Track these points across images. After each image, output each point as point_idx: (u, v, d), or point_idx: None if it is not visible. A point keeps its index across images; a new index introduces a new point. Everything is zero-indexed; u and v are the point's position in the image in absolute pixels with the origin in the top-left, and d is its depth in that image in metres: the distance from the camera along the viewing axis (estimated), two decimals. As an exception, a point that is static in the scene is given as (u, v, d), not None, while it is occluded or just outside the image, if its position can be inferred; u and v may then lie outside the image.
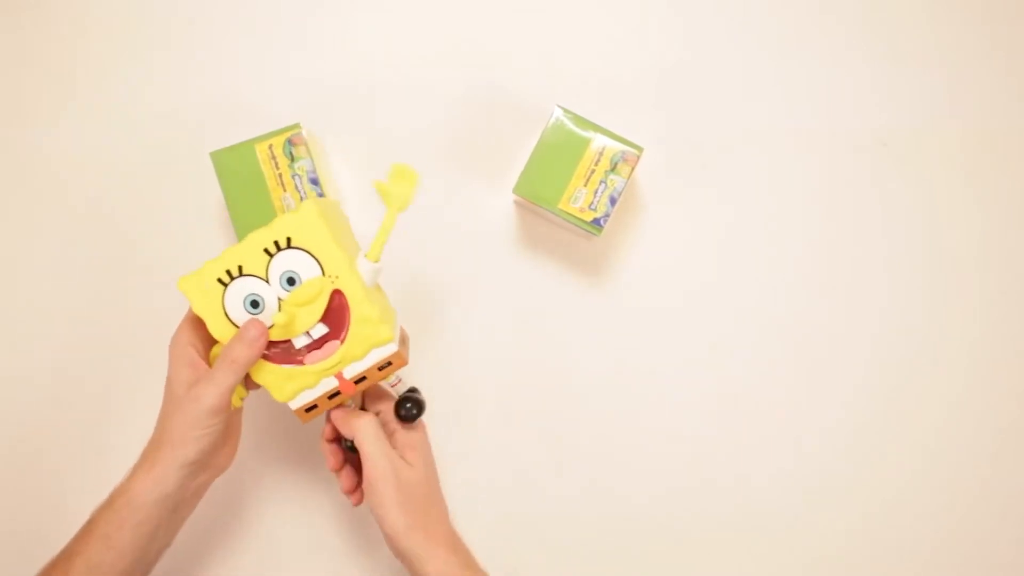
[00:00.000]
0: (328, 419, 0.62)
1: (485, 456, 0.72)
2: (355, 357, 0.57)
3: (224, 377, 0.54)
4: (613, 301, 0.73)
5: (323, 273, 0.56)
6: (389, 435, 0.61)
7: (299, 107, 0.73)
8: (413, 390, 0.63)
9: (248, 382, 0.60)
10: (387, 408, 0.62)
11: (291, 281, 0.56)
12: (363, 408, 0.63)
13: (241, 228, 0.64)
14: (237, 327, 0.56)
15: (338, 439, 0.62)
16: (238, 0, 0.74)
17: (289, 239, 0.55)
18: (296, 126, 0.65)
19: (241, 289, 0.56)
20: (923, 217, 0.73)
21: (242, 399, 0.60)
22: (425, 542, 0.57)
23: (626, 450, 0.72)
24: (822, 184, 0.73)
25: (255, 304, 0.56)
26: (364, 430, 0.58)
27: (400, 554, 0.58)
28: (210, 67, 0.74)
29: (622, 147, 0.65)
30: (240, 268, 0.55)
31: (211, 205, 0.72)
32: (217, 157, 0.65)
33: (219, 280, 0.56)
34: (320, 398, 0.59)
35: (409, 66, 0.74)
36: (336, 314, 0.56)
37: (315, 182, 0.65)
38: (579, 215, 0.65)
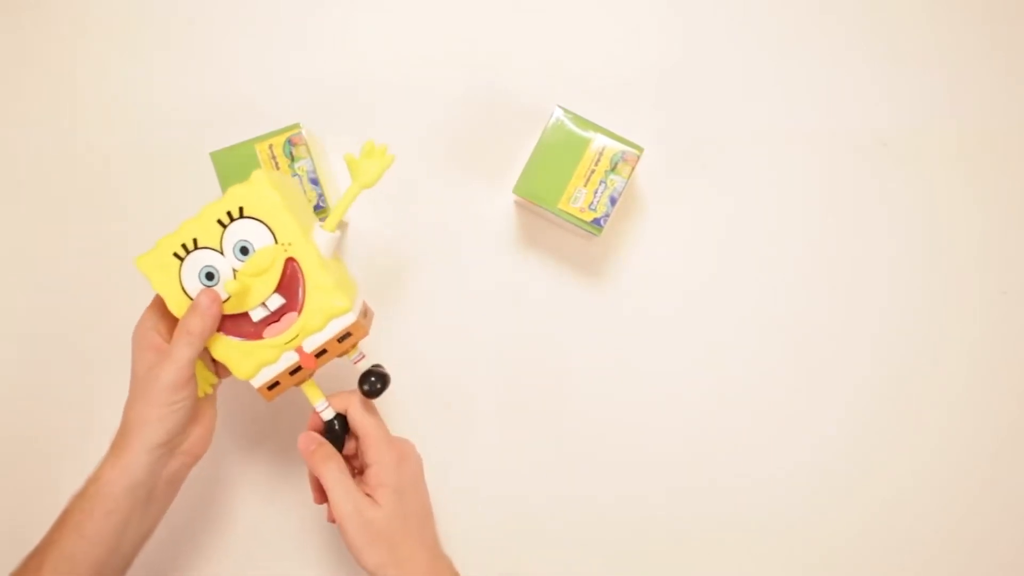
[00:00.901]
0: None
1: (484, 456, 0.72)
2: (314, 328, 0.57)
3: (181, 351, 0.54)
4: (613, 301, 0.73)
5: (276, 241, 0.55)
6: (362, 469, 0.60)
7: (299, 107, 0.73)
8: (377, 366, 0.61)
9: (219, 369, 0.60)
10: (362, 442, 0.60)
11: (244, 251, 0.55)
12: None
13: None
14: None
15: (320, 428, 0.61)
16: (238, 0, 0.74)
17: (241, 209, 0.55)
18: (296, 126, 0.65)
19: (196, 262, 0.56)
20: (923, 217, 0.73)
21: (212, 385, 0.59)
22: None
23: (626, 450, 0.72)
24: (822, 184, 0.73)
25: (210, 276, 0.56)
26: (329, 474, 0.56)
27: None
28: (210, 67, 0.74)
29: (622, 147, 0.65)
30: (195, 241, 0.55)
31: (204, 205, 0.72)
32: (217, 157, 0.65)
33: (175, 255, 0.56)
34: (282, 374, 0.58)
35: (409, 66, 0.74)
36: (291, 284, 0.56)
37: (315, 182, 0.65)
38: (579, 215, 0.65)
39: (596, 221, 0.65)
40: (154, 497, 0.56)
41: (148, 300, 0.71)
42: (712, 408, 0.72)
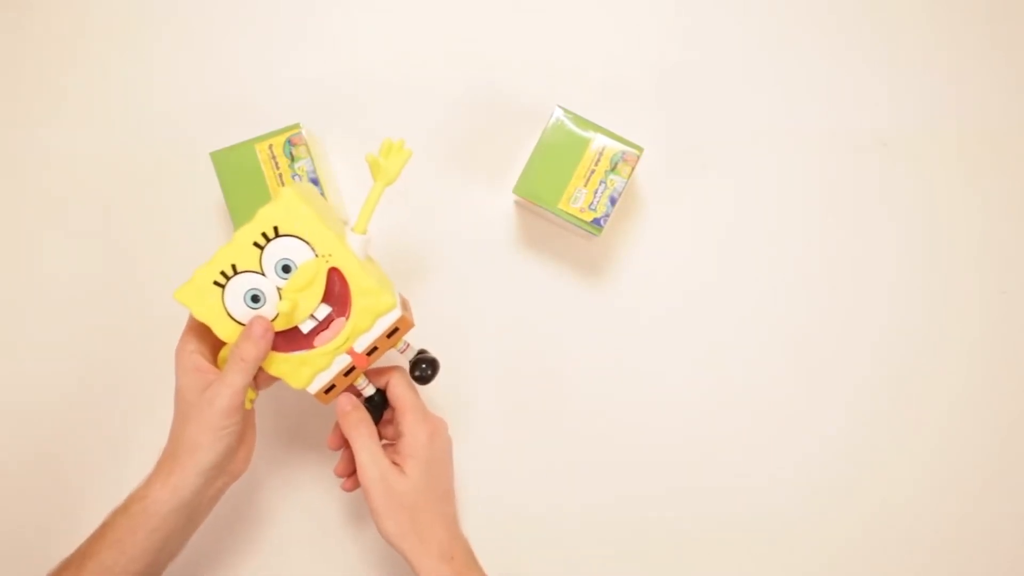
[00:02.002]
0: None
1: (484, 456, 0.72)
2: (363, 329, 0.58)
3: (235, 377, 0.55)
4: (613, 301, 0.72)
5: (316, 254, 0.56)
6: (395, 439, 0.62)
7: (299, 107, 0.73)
8: (423, 352, 0.63)
9: (257, 382, 0.61)
10: (396, 408, 0.62)
11: (286, 269, 0.56)
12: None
13: (241, 228, 0.64)
14: (242, 325, 0.56)
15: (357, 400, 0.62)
16: (238, 0, 0.74)
17: (276, 228, 0.55)
18: (296, 126, 0.65)
19: (239, 287, 0.56)
20: (923, 217, 0.73)
21: (252, 401, 0.60)
22: (416, 548, 0.57)
23: (626, 450, 0.72)
24: (822, 184, 0.73)
25: (256, 299, 0.56)
26: (359, 439, 0.58)
27: (400, 555, 0.58)
28: (210, 67, 0.74)
29: (622, 147, 0.65)
30: (234, 267, 0.56)
31: (211, 205, 0.72)
32: (217, 157, 0.65)
33: (215, 283, 0.56)
34: (336, 377, 0.59)
35: (409, 66, 0.74)
36: (337, 292, 0.57)
37: (315, 182, 0.65)
38: (579, 215, 0.65)
39: (596, 221, 0.65)
40: (195, 517, 0.57)
41: (149, 300, 0.72)
42: (712, 408, 0.72)
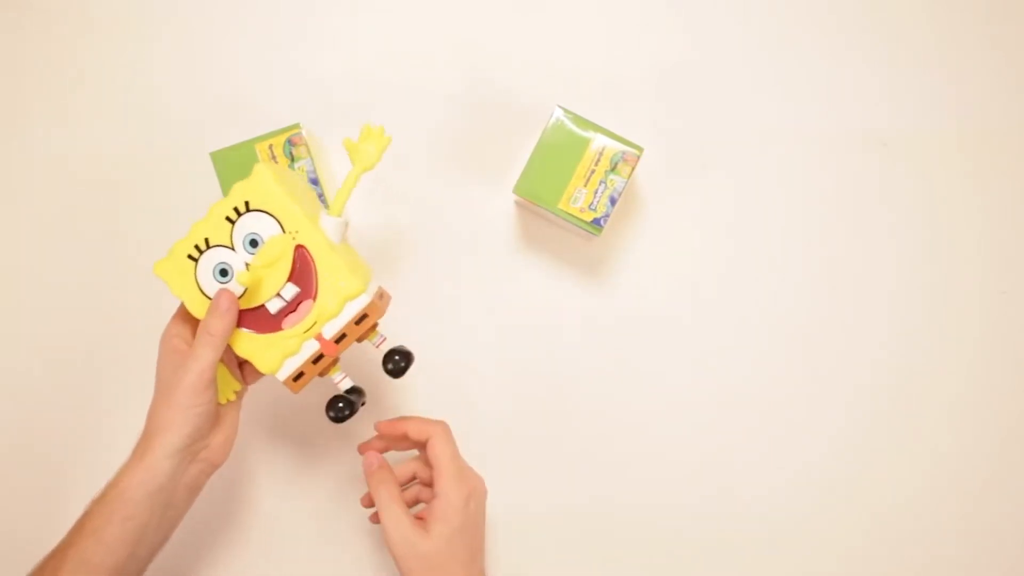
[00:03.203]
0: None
1: (483, 456, 0.71)
2: (331, 314, 0.57)
3: (203, 352, 0.54)
4: (613, 301, 0.73)
5: (283, 230, 0.56)
6: (428, 499, 0.62)
7: (299, 107, 0.73)
8: (399, 346, 0.61)
9: (244, 376, 0.60)
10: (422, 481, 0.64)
11: (254, 243, 0.56)
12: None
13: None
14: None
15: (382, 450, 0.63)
16: (238, 0, 0.74)
17: (247, 203, 0.56)
18: (296, 126, 0.65)
19: (210, 260, 0.56)
20: (923, 217, 0.73)
21: (236, 392, 0.60)
22: None
23: (626, 451, 0.72)
24: (822, 184, 0.73)
25: (224, 272, 0.56)
26: (382, 499, 0.58)
27: None
28: (210, 67, 0.74)
29: (622, 147, 0.65)
30: (207, 241, 0.56)
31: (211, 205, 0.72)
32: (217, 157, 0.65)
33: (189, 256, 0.56)
34: (305, 363, 0.58)
35: (409, 66, 0.74)
36: (304, 271, 0.56)
37: (315, 182, 0.65)
38: (579, 215, 0.65)
39: (596, 221, 0.65)
40: (173, 503, 0.57)
41: (151, 298, 0.71)
42: (713, 408, 0.72)
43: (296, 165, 0.65)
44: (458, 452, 0.60)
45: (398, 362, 0.59)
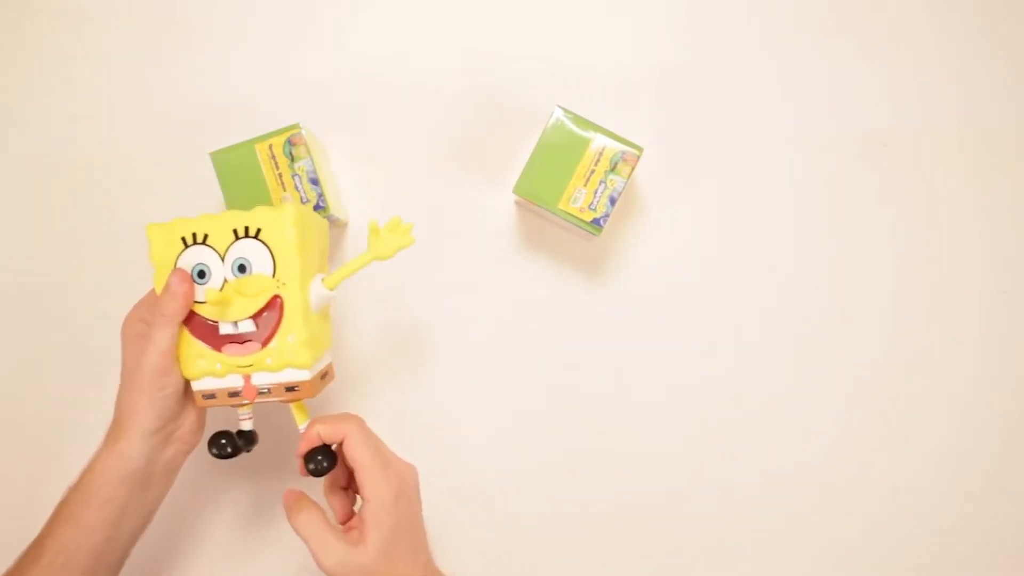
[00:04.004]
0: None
1: (482, 456, 0.72)
2: (268, 368, 0.56)
3: (159, 333, 0.55)
4: (613, 301, 0.73)
5: (274, 275, 0.56)
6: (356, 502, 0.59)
7: (299, 107, 0.73)
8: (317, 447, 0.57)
9: None
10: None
11: (242, 268, 0.56)
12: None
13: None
14: None
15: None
16: (238, 1, 0.74)
17: (259, 230, 0.56)
18: (296, 126, 0.65)
19: (195, 255, 0.57)
20: (923, 217, 0.73)
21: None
22: None
23: (626, 449, 0.72)
24: (822, 184, 0.73)
25: (201, 274, 0.57)
26: (303, 528, 0.55)
27: None
28: (210, 67, 0.74)
29: (622, 147, 0.65)
30: (206, 236, 0.57)
31: (211, 205, 0.72)
32: (217, 157, 0.65)
33: (183, 239, 0.57)
34: (221, 391, 0.58)
35: (409, 66, 0.74)
36: (268, 319, 0.56)
37: (315, 182, 0.65)
38: (579, 215, 0.65)
39: (596, 221, 0.65)
40: (150, 485, 0.57)
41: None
42: (713, 407, 0.72)
43: (296, 165, 0.65)
44: (379, 446, 0.57)
45: (320, 462, 0.56)
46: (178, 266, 0.57)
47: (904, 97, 0.73)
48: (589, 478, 0.72)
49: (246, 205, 0.65)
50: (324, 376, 0.60)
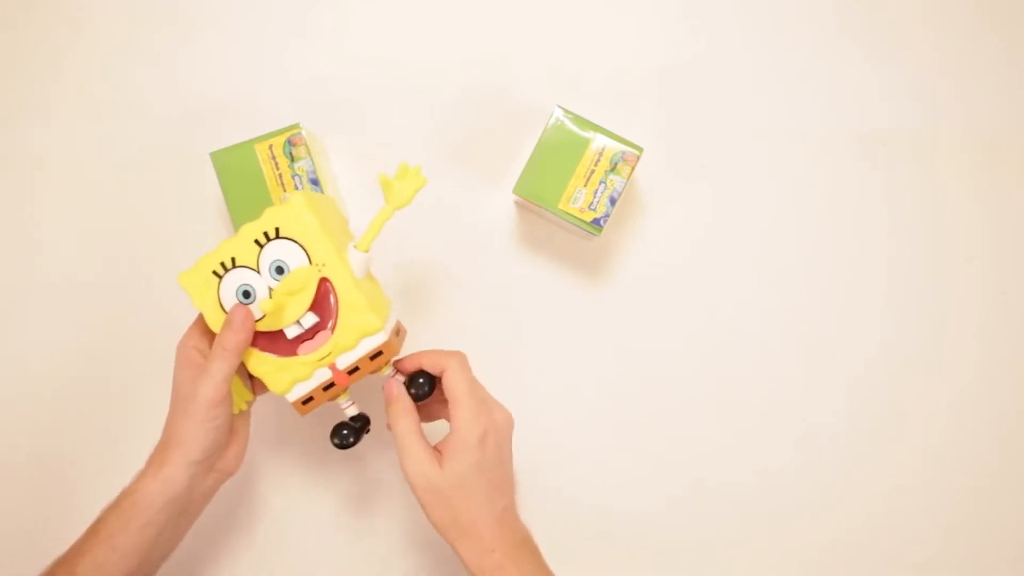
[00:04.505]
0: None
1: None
2: (346, 347, 0.57)
3: (218, 367, 0.55)
4: (613, 301, 0.73)
5: (310, 262, 0.56)
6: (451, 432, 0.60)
7: (299, 107, 0.73)
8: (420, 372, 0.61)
9: (255, 386, 0.61)
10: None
11: (280, 270, 0.56)
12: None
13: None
14: None
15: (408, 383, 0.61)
16: (238, 1, 0.74)
17: (278, 229, 0.56)
18: (296, 126, 0.65)
19: (234, 280, 0.57)
20: (923, 217, 0.73)
21: (248, 403, 0.60)
22: (458, 540, 0.56)
23: (626, 450, 0.72)
24: (822, 184, 0.73)
25: (247, 294, 0.57)
26: (398, 430, 0.57)
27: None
28: (210, 67, 0.74)
29: (622, 147, 0.65)
30: (233, 260, 0.56)
31: (211, 205, 0.72)
32: (217, 157, 0.65)
33: (214, 272, 0.57)
34: (315, 390, 0.59)
35: (409, 66, 0.74)
36: (325, 303, 0.57)
37: (315, 182, 0.65)
38: (579, 215, 0.65)
39: (596, 221, 0.65)
40: (187, 511, 0.57)
41: (151, 299, 0.72)
42: (713, 406, 0.72)
43: (296, 165, 0.65)
44: (476, 384, 0.59)
45: (422, 385, 0.59)
46: (221, 297, 0.57)
47: (904, 97, 0.73)
48: (589, 478, 0.72)
49: (246, 205, 0.65)
50: (399, 333, 0.61)
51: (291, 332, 0.57)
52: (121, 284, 0.73)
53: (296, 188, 0.65)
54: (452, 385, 0.58)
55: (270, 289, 0.57)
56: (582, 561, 0.71)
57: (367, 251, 0.58)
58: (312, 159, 0.65)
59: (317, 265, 0.56)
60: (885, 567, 0.72)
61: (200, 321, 0.58)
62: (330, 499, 0.72)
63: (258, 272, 0.56)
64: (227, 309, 0.57)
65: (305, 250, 0.56)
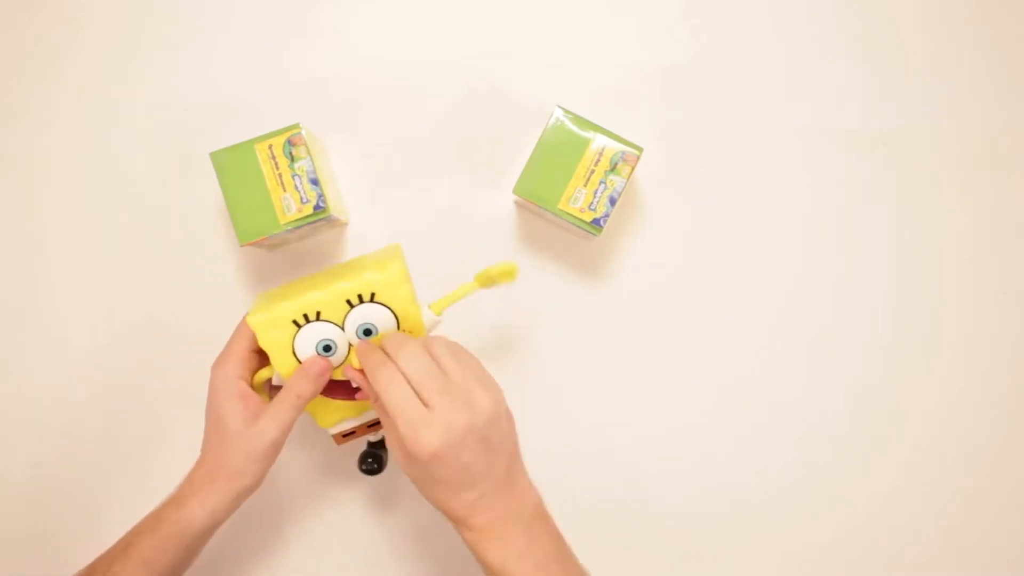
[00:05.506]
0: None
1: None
2: None
3: (287, 412, 0.56)
4: (613, 301, 0.73)
5: (399, 327, 0.59)
6: None
7: (299, 107, 0.73)
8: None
9: (271, 396, 0.62)
10: None
11: (367, 332, 0.58)
12: None
13: (241, 228, 0.64)
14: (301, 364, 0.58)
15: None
16: (238, 1, 0.74)
17: (374, 294, 0.58)
18: (296, 126, 0.65)
19: (315, 332, 0.58)
20: (922, 217, 0.73)
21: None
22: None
23: (625, 449, 0.72)
24: (821, 184, 0.73)
25: (327, 348, 0.58)
26: (383, 380, 0.54)
27: None
28: (210, 67, 0.74)
29: (622, 147, 0.65)
30: (318, 314, 0.58)
31: (211, 205, 0.72)
32: (217, 157, 0.65)
33: (294, 321, 0.58)
34: (360, 426, 0.62)
35: (409, 66, 0.74)
36: None
37: (315, 182, 0.65)
38: (579, 215, 0.65)
39: (596, 221, 0.65)
40: (214, 532, 0.59)
41: (151, 300, 0.72)
42: (713, 406, 0.72)
43: (296, 165, 0.65)
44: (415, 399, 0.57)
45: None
46: (296, 345, 0.58)
47: (904, 97, 0.73)
48: (588, 478, 0.72)
49: (246, 205, 0.65)
50: None
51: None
52: (121, 284, 0.73)
53: (296, 188, 0.65)
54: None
55: (350, 344, 0.58)
56: (580, 560, 0.71)
57: (439, 315, 0.61)
58: (312, 159, 0.65)
59: (404, 331, 0.59)
60: (885, 567, 0.72)
61: (237, 351, 0.58)
62: (333, 501, 0.72)
63: (342, 329, 0.58)
64: (300, 357, 0.58)
65: (396, 317, 0.58)
